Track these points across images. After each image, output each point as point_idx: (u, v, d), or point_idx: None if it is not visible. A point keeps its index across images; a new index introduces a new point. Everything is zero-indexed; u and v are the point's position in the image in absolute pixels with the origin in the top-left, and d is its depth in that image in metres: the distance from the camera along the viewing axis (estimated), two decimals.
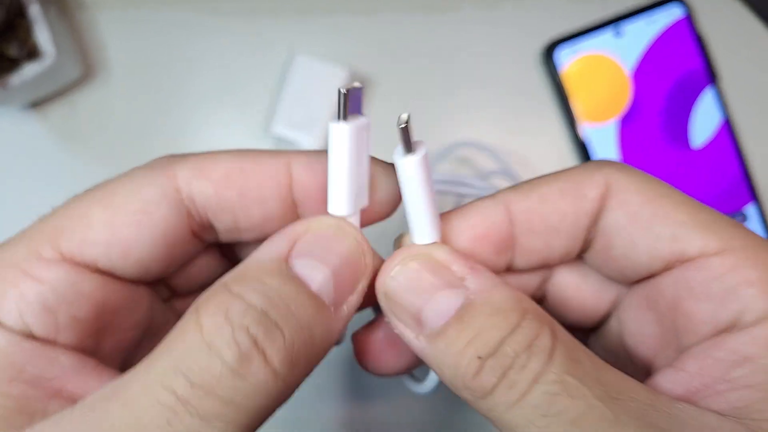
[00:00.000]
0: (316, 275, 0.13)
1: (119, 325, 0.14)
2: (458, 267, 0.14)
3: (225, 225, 0.15)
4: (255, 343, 0.11)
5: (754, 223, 0.34)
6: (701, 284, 0.13)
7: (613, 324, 0.16)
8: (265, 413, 0.12)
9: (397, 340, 0.15)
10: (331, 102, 0.33)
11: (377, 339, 0.16)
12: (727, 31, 0.35)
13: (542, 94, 0.35)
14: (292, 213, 0.15)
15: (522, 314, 0.12)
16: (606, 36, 0.34)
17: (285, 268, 0.13)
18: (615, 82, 0.34)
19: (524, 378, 0.12)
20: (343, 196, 0.14)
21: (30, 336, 0.13)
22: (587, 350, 0.12)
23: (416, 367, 0.16)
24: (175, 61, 0.36)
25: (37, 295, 0.13)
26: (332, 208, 0.14)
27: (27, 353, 0.12)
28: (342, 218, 0.14)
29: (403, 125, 0.13)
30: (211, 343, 0.11)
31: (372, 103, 0.35)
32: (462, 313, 0.13)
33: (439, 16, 0.35)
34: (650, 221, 0.13)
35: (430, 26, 0.35)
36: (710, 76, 0.34)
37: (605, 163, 0.14)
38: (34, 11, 0.32)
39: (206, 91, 0.36)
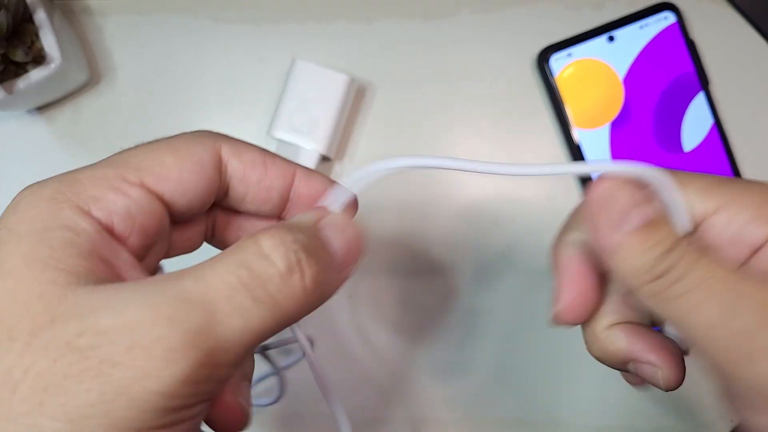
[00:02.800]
0: (335, 242, 0.18)
1: (157, 247, 0.19)
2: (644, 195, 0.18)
3: (236, 196, 0.20)
4: (299, 261, 0.16)
5: None
6: None
7: None
8: (290, 320, 0.16)
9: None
10: (331, 106, 0.33)
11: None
12: (718, 36, 0.35)
13: (536, 99, 0.36)
14: (283, 206, 0.20)
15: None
16: (599, 42, 0.34)
17: (316, 230, 0.18)
18: (608, 87, 0.35)
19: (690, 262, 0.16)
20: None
21: (110, 230, 0.17)
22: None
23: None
24: (179, 66, 0.36)
25: (123, 205, 0.17)
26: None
27: (104, 240, 0.16)
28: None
29: None
30: (268, 254, 0.16)
31: (371, 108, 0.36)
32: (656, 220, 0.17)
33: (437, 22, 0.36)
34: None
35: (428, 33, 0.36)
36: (701, 81, 0.35)
37: None
38: (40, 17, 0.32)
39: (209, 95, 0.36)
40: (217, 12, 0.36)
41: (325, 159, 0.35)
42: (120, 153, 0.18)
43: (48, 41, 0.32)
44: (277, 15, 0.36)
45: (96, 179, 0.17)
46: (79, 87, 0.36)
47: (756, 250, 0.17)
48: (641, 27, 0.34)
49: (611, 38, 0.35)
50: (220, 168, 0.19)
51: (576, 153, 0.35)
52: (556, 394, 0.36)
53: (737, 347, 0.15)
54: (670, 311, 0.17)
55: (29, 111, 0.37)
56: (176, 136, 0.19)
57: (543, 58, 0.35)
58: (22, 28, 0.32)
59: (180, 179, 0.18)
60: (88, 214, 0.16)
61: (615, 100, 0.35)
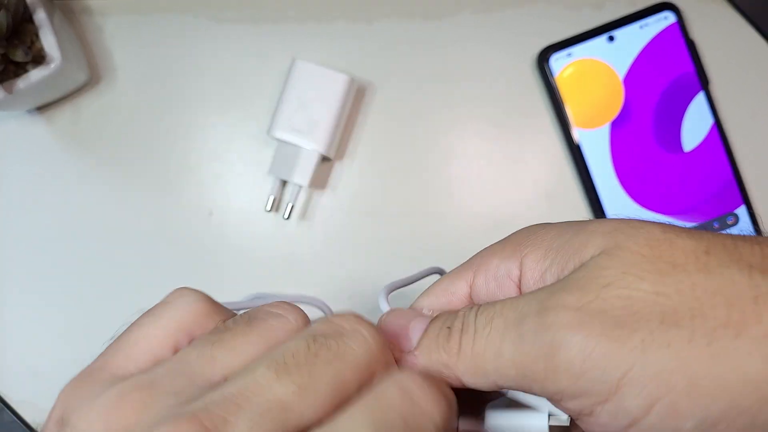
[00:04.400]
0: None
1: None
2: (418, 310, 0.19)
3: None
4: None
5: (745, 224, 0.35)
6: None
7: None
8: None
9: None
10: (332, 106, 0.33)
11: None
12: (718, 36, 0.35)
13: (537, 99, 0.36)
14: None
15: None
16: (599, 42, 0.34)
17: None
18: (608, 87, 0.35)
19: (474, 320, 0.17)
20: None
21: None
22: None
23: None
24: (179, 66, 0.36)
25: None
26: None
27: None
28: None
29: None
30: None
31: (370, 108, 0.36)
32: (427, 328, 0.18)
33: (437, 22, 0.36)
34: None
35: (428, 33, 0.36)
36: (702, 81, 0.35)
37: None
38: (40, 17, 0.32)
39: (209, 95, 0.36)
40: (217, 12, 0.36)
41: (325, 159, 0.35)
42: None
43: (48, 41, 0.32)
44: (277, 15, 0.36)
45: None
46: (79, 87, 0.36)
47: (518, 283, 0.18)
48: (641, 27, 0.34)
49: (611, 38, 0.34)
50: None
51: (576, 153, 0.35)
52: None
53: (539, 367, 0.15)
54: (476, 368, 0.16)
55: (29, 111, 0.37)
56: None
57: (543, 58, 0.35)
58: (22, 28, 0.32)
59: None
60: None
61: (615, 100, 0.35)
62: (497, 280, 0.18)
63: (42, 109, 0.36)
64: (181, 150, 0.36)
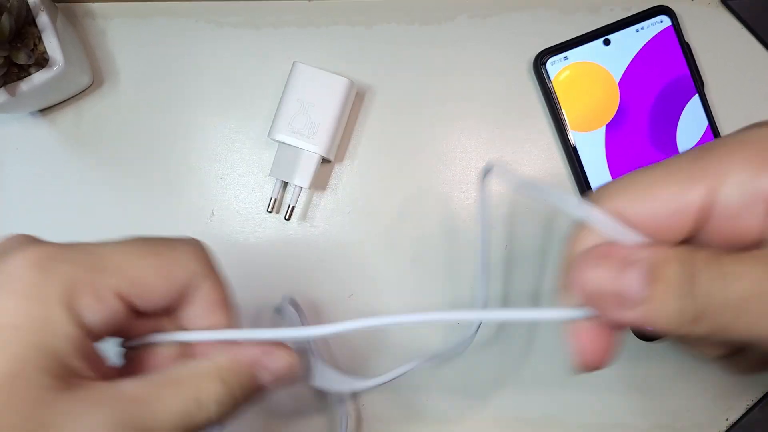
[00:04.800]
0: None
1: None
2: (625, 249, 0.16)
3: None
4: None
5: None
6: None
7: None
8: None
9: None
10: (331, 109, 0.33)
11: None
12: (713, 39, 0.36)
13: (533, 102, 0.36)
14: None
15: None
16: (595, 45, 0.35)
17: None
18: (604, 90, 0.35)
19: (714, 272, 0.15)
20: None
21: (87, 331, 0.19)
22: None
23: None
24: (180, 69, 0.37)
25: (103, 315, 0.19)
26: None
27: (83, 343, 0.19)
28: None
29: None
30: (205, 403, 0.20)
31: (369, 111, 0.36)
32: (654, 274, 0.15)
33: (435, 26, 0.36)
34: None
35: (426, 36, 0.36)
36: (696, 84, 0.35)
37: None
38: (43, 20, 0.32)
39: (210, 98, 0.37)
40: (219, 16, 0.37)
41: (325, 161, 0.36)
42: (106, 247, 0.20)
43: (51, 44, 0.32)
44: (277, 19, 0.37)
45: (85, 284, 0.19)
46: (82, 89, 0.36)
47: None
48: (637, 30, 0.35)
49: (607, 42, 0.35)
50: (188, 293, 0.21)
51: (572, 155, 0.35)
52: (552, 392, 0.36)
53: None
54: (735, 333, 0.15)
55: (32, 113, 0.37)
56: (163, 243, 0.21)
57: (539, 62, 0.35)
58: (25, 31, 0.32)
59: (153, 291, 0.20)
60: (77, 320, 0.18)
61: (611, 103, 0.35)
62: (741, 205, 0.15)
63: (45, 111, 0.37)
64: (182, 152, 0.37)
